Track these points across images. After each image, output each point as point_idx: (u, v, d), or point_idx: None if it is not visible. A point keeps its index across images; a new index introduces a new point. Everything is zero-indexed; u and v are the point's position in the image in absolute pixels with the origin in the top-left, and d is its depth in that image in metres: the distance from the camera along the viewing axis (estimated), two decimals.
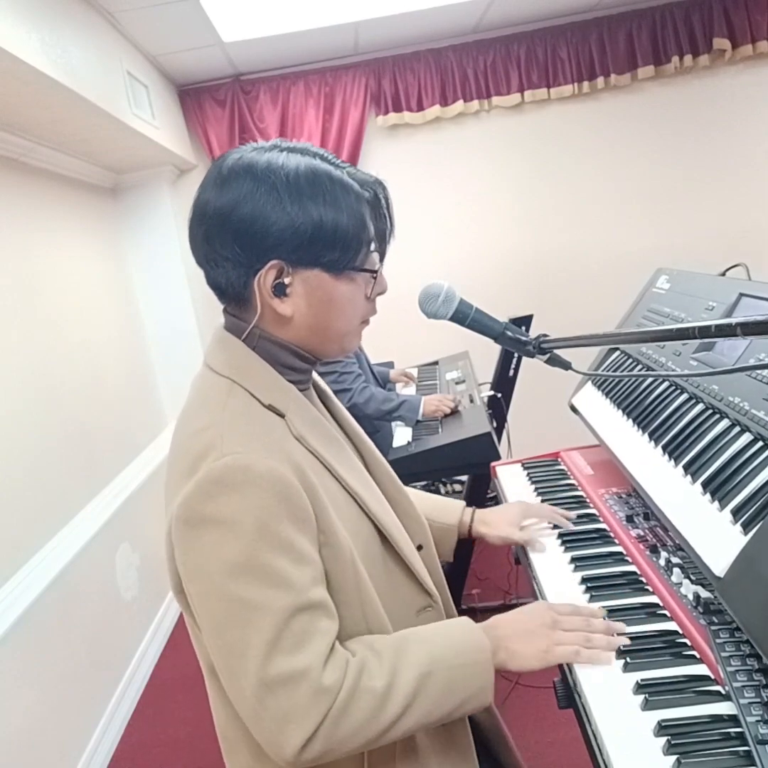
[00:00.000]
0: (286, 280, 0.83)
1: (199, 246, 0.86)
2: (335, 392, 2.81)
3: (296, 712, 0.75)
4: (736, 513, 0.94)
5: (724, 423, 1.09)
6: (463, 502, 1.27)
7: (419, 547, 1.02)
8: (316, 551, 0.81)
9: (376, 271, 0.89)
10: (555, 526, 1.28)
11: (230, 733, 0.91)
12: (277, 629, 0.75)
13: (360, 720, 0.78)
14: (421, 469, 2.35)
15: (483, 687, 0.85)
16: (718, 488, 1.00)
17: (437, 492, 3.61)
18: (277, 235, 0.81)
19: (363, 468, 0.98)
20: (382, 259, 0.91)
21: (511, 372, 2.67)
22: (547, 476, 1.55)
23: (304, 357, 0.91)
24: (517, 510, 1.27)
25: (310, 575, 0.79)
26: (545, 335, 1.14)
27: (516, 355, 2.60)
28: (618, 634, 0.94)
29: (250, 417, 0.84)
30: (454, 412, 2.56)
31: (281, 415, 0.86)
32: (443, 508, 1.25)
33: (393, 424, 2.70)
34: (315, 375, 1.01)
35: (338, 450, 0.92)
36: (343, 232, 0.83)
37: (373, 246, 0.88)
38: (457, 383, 2.95)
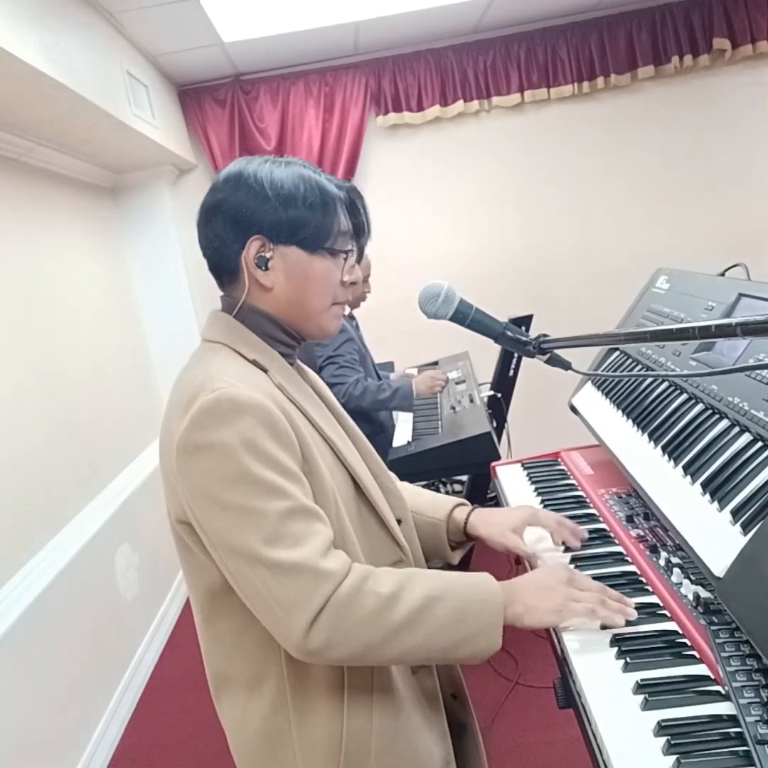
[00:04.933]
0: (268, 254, 0.97)
1: (201, 233, 1.01)
2: (331, 385, 2.84)
3: (301, 597, 0.84)
4: (736, 513, 0.94)
5: (724, 423, 1.09)
6: (459, 499, 1.22)
7: (398, 521, 1.07)
8: (302, 475, 0.90)
9: (346, 252, 1.02)
10: (566, 548, 1.19)
11: (225, 667, 0.99)
12: (276, 528, 0.85)
13: (362, 617, 0.85)
14: (421, 469, 2.35)
15: (490, 627, 0.90)
16: (717, 488, 1.00)
17: (437, 492, 3.61)
18: (259, 217, 0.96)
19: (342, 429, 1.07)
20: (360, 254, 1.07)
21: (511, 372, 2.67)
22: (547, 476, 1.55)
23: (288, 332, 1.02)
24: (522, 515, 1.17)
25: (299, 489, 0.89)
26: (545, 335, 1.14)
27: (516, 355, 2.60)
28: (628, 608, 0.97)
29: (234, 365, 0.95)
30: (446, 384, 2.62)
31: (264, 370, 0.97)
32: (434, 503, 1.22)
33: (394, 422, 2.70)
34: (305, 367, 1.12)
35: (316, 406, 1.03)
36: (316, 217, 0.97)
37: (347, 237, 1.02)
38: (457, 383, 2.95)
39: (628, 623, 0.96)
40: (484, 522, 1.17)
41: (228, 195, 0.97)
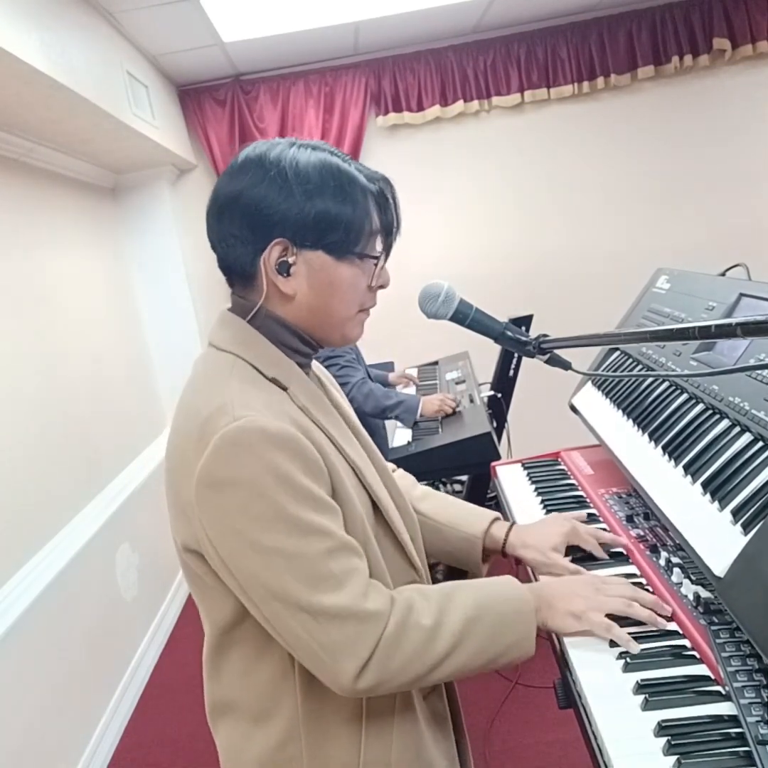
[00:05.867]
0: (290, 259, 0.87)
1: (213, 228, 0.91)
2: None
3: (348, 644, 0.80)
4: (737, 513, 0.94)
5: (725, 423, 1.09)
6: (494, 513, 1.16)
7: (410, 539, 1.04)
8: (335, 504, 0.86)
9: (377, 257, 0.92)
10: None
11: (230, 698, 0.94)
12: (316, 572, 0.80)
13: (410, 654, 0.82)
14: (421, 469, 2.35)
15: (526, 635, 0.89)
16: (718, 488, 1.00)
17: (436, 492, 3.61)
18: (283, 216, 0.85)
19: (359, 444, 1.01)
20: (387, 253, 0.95)
21: (511, 372, 2.67)
22: (547, 476, 1.55)
23: (306, 340, 0.94)
24: (561, 532, 1.11)
25: (334, 521, 0.84)
26: (545, 335, 1.14)
27: (516, 355, 2.60)
28: (662, 616, 0.94)
29: (254, 386, 0.87)
30: (455, 412, 2.56)
31: (284, 388, 0.89)
32: (468, 517, 1.15)
33: (395, 424, 2.70)
34: (315, 364, 1.04)
35: (337, 424, 0.96)
36: (346, 218, 0.87)
37: (378, 237, 0.92)
38: (457, 383, 2.95)
39: (629, 623, 0.96)
40: (524, 543, 1.11)
41: (247, 187, 0.86)
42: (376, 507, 0.95)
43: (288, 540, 0.79)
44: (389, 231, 0.94)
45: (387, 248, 0.95)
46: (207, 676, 0.97)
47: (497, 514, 1.17)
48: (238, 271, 0.91)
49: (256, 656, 0.90)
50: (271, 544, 0.79)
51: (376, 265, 0.92)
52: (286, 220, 0.85)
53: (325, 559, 0.80)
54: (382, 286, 0.96)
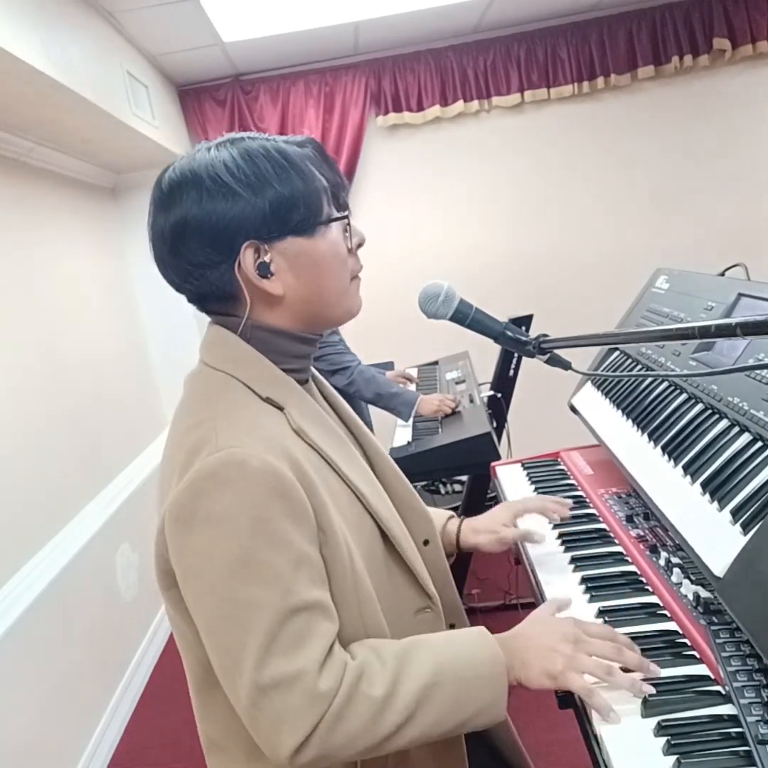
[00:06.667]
0: (266, 258, 0.83)
1: (171, 267, 0.86)
2: (332, 373, 2.73)
3: (289, 715, 0.74)
4: (736, 513, 0.94)
5: (724, 423, 1.09)
6: (448, 511, 1.20)
7: (425, 542, 1.01)
8: (315, 549, 0.79)
9: (346, 217, 0.89)
10: (560, 537, 1.23)
11: (220, 738, 0.91)
12: (272, 630, 0.74)
13: (356, 727, 0.76)
14: (421, 469, 2.35)
15: (494, 701, 0.82)
16: (717, 488, 1.00)
17: (437, 492, 3.61)
18: (239, 221, 0.81)
19: (365, 463, 0.96)
20: (346, 208, 0.91)
21: (511, 372, 2.67)
22: (547, 476, 1.55)
23: (304, 339, 0.90)
24: (505, 509, 1.19)
25: (307, 575, 0.77)
26: (545, 335, 1.14)
27: (516, 355, 2.60)
28: (649, 679, 0.84)
29: (246, 410, 0.82)
30: (455, 412, 2.56)
31: (280, 408, 0.85)
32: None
33: (395, 422, 2.70)
34: (315, 372, 1.00)
35: (339, 444, 0.91)
36: (299, 192, 0.83)
37: (333, 196, 0.88)
38: (457, 383, 2.95)
39: (629, 624, 0.96)
40: (474, 530, 1.16)
41: (189, 210, 0.81)
42: (384, 534, 0.90)
43: (251, 589, 0.74)
44: (337, 186, 0.89)
45: (343, 204, 0.90)
46: (197, 714, 0.94)
47: (451, 512, 1.20)
48: (217, 296, 0.86)
49: None
50: (233, 591, 0.74)
51: (347, 225, 0.89)
52: (245, 223, 0.81)
53: (285, 619, 0.74)
54: (360, 245, 0.92)
